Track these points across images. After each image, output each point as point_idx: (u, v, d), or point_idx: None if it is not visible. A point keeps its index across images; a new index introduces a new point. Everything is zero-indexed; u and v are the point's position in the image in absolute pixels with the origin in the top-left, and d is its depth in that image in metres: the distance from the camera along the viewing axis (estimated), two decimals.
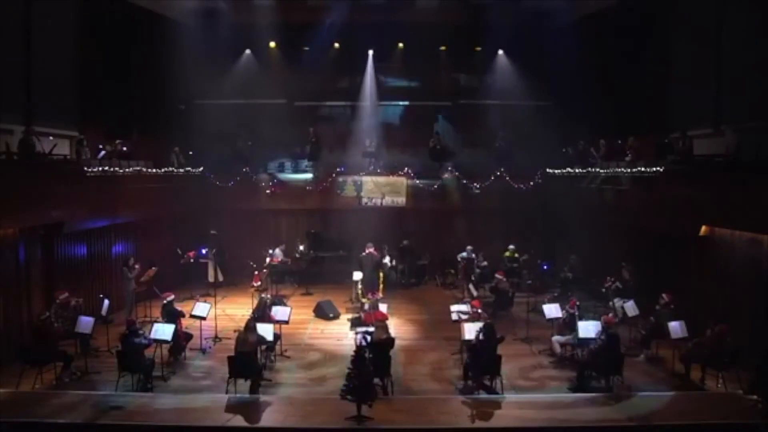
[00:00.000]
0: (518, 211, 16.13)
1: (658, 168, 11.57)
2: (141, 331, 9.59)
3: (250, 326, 9.24)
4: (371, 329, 9.57)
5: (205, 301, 11.43)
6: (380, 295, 12.55)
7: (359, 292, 13.71)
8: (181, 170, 15.42)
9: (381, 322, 9.87)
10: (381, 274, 13.76)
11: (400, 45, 18.02)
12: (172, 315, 10.49)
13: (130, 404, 8.51)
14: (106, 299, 11.32)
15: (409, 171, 16.46)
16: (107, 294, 11.81)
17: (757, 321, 9.52)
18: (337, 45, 17.80)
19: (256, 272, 13.84)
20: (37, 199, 10.40)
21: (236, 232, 16.24)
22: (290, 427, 7.99)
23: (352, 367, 8.12)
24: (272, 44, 17.48)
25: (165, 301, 10.79)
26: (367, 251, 13.33)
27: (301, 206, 16.64)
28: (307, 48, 18.02)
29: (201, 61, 15.59)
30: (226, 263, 15.84)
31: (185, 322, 10.92)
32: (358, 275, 13.54)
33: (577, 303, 10.72)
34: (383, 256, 14.39)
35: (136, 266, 12.62)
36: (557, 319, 10.83)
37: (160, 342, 9.78)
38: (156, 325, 9.88)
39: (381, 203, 16.56)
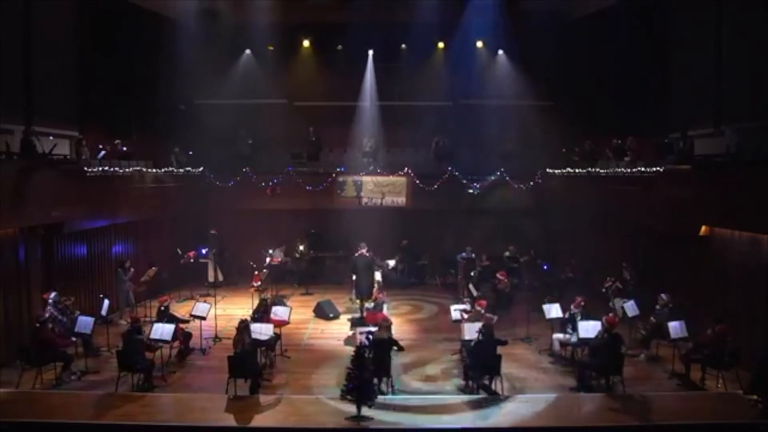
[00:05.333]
0: (518, 211, 16.12)
1: (658, 168, 11.57)
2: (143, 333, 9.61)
3: (241, 326, 9.21)
4: (373, 329, 9.55)
5: (205, 301, 11.44)
6: (380, 296, 12.51)
7: (352, 296, 13.69)
8: (181, 170, 15.41)
9: (385, 322, 9.86)
10: (376, 276, 13.57)
11: (401, 44, 18.02)
12: (170, 319, 10.47)
13: (130, 404, 8.52)
14: (106, 299, 11.33)
15: (410, 171, 16.46)
16: (107, 294, 11.83)
17: (757, 321, 9.52)
18: (340, 44, 17.85)
19: (256, 272, 13.83)
20: (37, 199, 10.39)
21: (236, 232, 16.24)
22: (290, 427, 8.00)
23: (352, 367, 8.14)
24: (270, 48, 17.49)
25: (161, 307, 10.79)
26: (359, 252, 13.21)
27: (301, 206, 16.64)
28: (306, 48, 18.03)
29: (201, 61, 15.58)
30: (226, 263, 15.84)
31: (185, 324, 10.92)
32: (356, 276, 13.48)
33: (583, 303, 10.69)
34: (374, 260, 14.02)
35: (131, 269, 12.62)
36: (557, 318, 10.83)
37: (160, 342, 9.80)
38: (156, 325, 9.90)
39: (381, 203, 16.55)
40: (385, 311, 11.81)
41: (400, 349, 9.51)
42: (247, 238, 16.14)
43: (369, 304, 12.35)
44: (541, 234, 15.95)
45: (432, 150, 17.33)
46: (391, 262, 14.18)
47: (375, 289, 12.80)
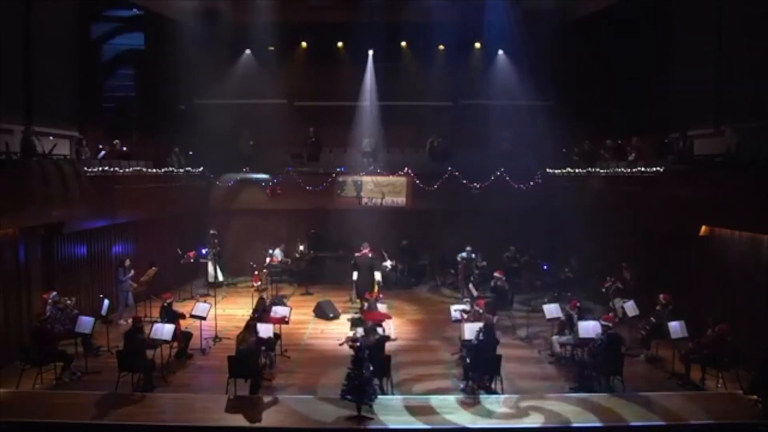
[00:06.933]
0: (518, 211, 16.12)
1: (658, 168, 11.58)
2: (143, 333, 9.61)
3: (250, 325, 9.27)
4: (359, 334, 9.47)
5: (205, 301, 11.44)
6: (379, 295, 12.51)
7: (352, 295, 13.66)
8: (181, 170, 15.41)
9: (371, 323, 9.84)
10: (376, 276, 13.58)
11: (401, 44, 18.03)
12: (171, 316, 10.50)
13: (131, 404, 8.52)
14: (106, 299, 11.34)
15: (410, 171, 16.46)
16: (107, 294, 11.83)
17: (757, 321, 9.52)
18: (340, 44, 17.87)
19: (256, 272, 13.83)
20: (37, 199, 10.39)
21: (236, 232, 16.24)
22: (290, 427, 8.01)
23: (352, 367, 8.14)
24: (270, 48, 17.50)
25: (165, 303, 10.80)
26: (361, 252, 13.20)
27: (301, 206, 16.64)
28: (306, 48, 18.05)
29: (201, 61, 15.59)
30: (226, 263, 15.83)
31: (185, 322, 10.93)
32: (357, 275, 13.51)
33: (578, 304, 10.72)
34: (384, 259, 14.20)
35: (132, 269, 12.62)
36: (557, 319, 10.83)
37: (161, 342, 9.81)
38: (156, 325, 9.90)
39: (381, 203, 16.56)
40: (383, 309, 11.81)
41: (390, 339, 9.58)
42: (247, 238, 16.14)
43: (365, 305, 12.36)
44: (541, 234, 15.96)
45: (427, 150, 17.34)
46: (387, 263, 14.20)
47: (375, 290, 12.81)
